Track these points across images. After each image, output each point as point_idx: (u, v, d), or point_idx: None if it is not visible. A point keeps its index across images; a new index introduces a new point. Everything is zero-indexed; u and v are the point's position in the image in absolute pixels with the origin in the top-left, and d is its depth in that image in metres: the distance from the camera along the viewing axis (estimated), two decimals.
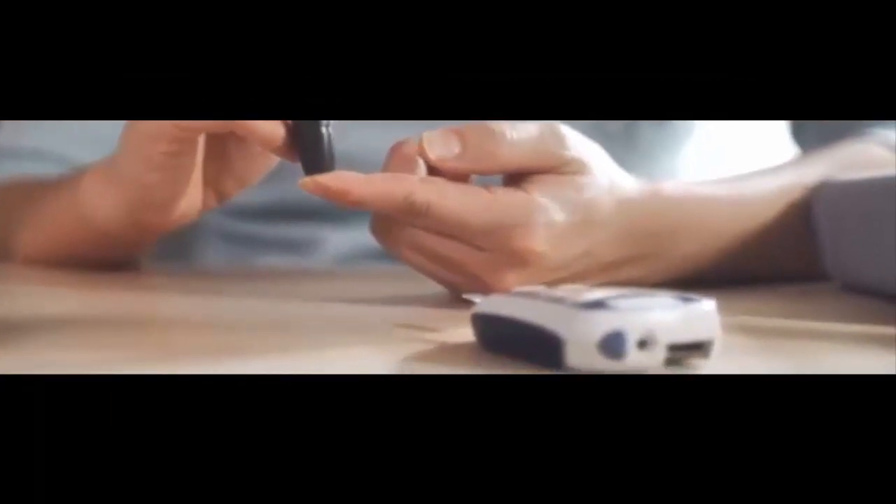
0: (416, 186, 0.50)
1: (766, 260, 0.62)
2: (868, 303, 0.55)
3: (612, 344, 0.36)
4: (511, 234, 0.50)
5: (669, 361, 0.37)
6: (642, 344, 0.37)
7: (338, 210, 0.84)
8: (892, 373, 0.38)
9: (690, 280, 0.59)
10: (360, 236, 0.83)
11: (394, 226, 0.52)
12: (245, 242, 0.89)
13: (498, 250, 0.51)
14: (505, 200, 0.50)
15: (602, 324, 0.37)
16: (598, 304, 0.37)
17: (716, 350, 0.38)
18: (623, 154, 0.59)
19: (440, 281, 0.54)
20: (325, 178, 0.50)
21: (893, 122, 0.73)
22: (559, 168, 0.52)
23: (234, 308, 0.55)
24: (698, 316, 0.38)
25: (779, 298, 0.58)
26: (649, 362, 0.37)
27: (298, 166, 0.86)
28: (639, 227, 0.56)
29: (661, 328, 0.37)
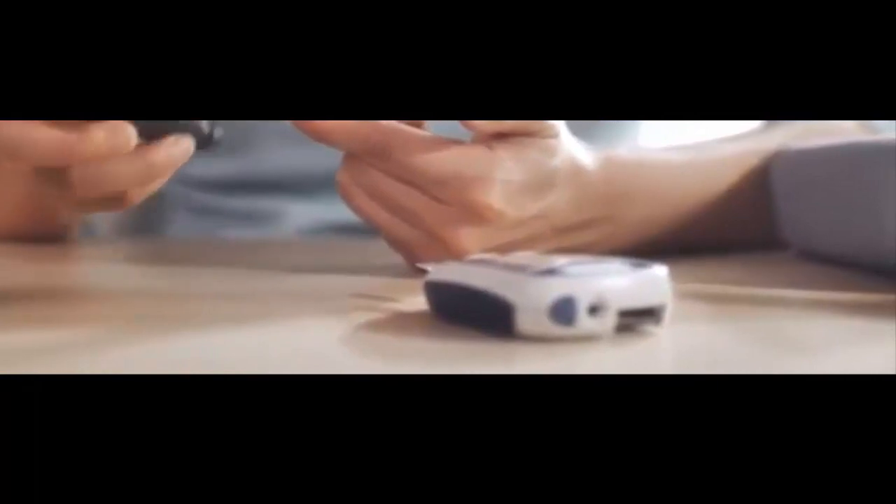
0: (380, 128, 0.51)
1: (723, 226, 0.63)
2: (823, 270, 0.56)
3: (563, 310, 0.37)
4: (468, 187, 0.51)
5: (621, 327, 0.38)
6: (593, 310, 0.37)
7: (301, 183, 0.85)
8: (861, 371, 0.38)
9: (647, 246, 0.59)
10: (322, 210, 0.83)
11: (357, 172, 0.52)
12: (208, 214, 0.89)
13: (454, 203, 0.51)
14: (466, 152, 0.51)
15: (552, 290, 0.37)
16: (548, 271, 0.37)
17: (668, 316, 0.38)
18: (587, 129, 0.59)
19: (397, 242, 0.54)
20: None
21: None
22: (537, 132, 0.52)
23: (191, 278, 0.55)
24: (650, 282, 0.38)
25: (735, 265, 0.59)
26: (600, 328, 0.37)
27: (259, 139, 0.86)
28: (592, 192, 0.56)
29: (611, 294, 0.37)
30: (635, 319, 0.38)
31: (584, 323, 0.37)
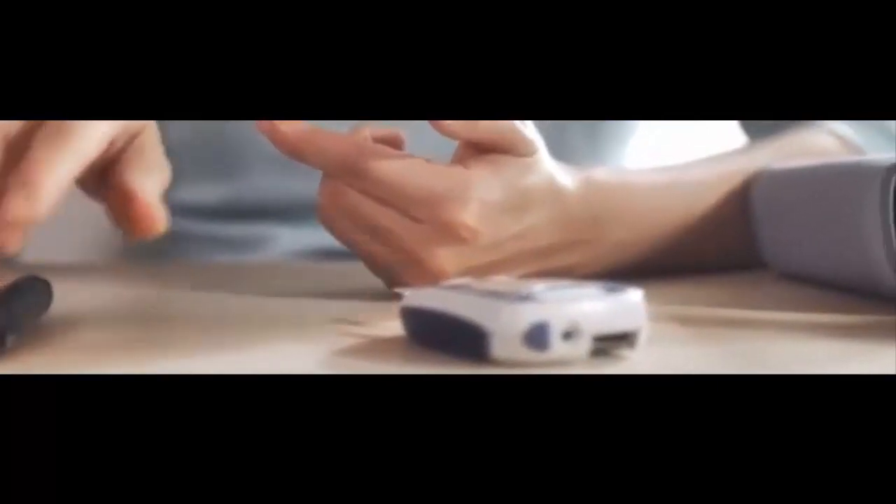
0: (356, 146, 0.51)
1: (704, 248, 0.63)
2: (803, 291, 0.56)
3: (537, 336, 0.36)
4: (445, 205, 0.51)
5: (595, 352, 0.37)
6: (567, 335, 0.37)
7: (289, 209, 0.85)
8: (827, 372, 0.38)
9: (629, 268, 0.59)
10: (310, 236, 0.83)
11: (335, 195, 0.52)
12: (195, 241, 0.88)
13: (430, 222, 0.51)
14: (442, 171, 0.51)
15: (526, 316, 0.37)
16: (522, 297, 0.37)
17: (642, 340, 0.38)
18: (580, 149, 0.59)
19: (375, 264, 0.54)
20: (278, 122, 0.51)
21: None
22: (514, 148, 0.52)
23: (169, 302, 0.54)
24: (624, 306, 0.38)
25: (715, 287, 0.58)
26: (574, 353, 0.37)
27: (249, 166, 0.86)
28: (572, 213, 0.56)
29: (585, 319, 0.37)
30: (610, 344, 0.38)
31: (559, 348, 0.37)
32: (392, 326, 0.45)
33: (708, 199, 0.62)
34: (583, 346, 0.37)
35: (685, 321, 0.46)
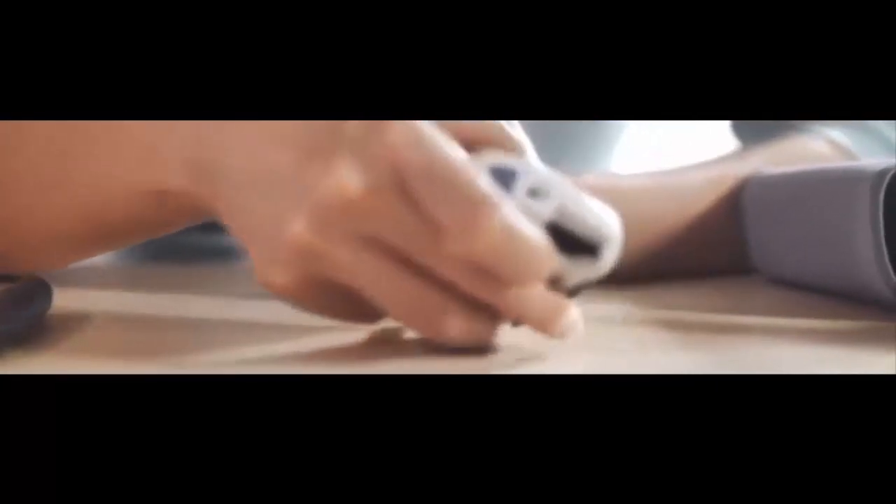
0: None
1: (694, 252, 0.62)
2: (791, 296, 0.56)
3: (503, 177, 0.36)
4: None
5: (553, 230, 0.36)
6: (533, 192, 0.36)
7: None
8: (812, 372, 0.38)
9: (617, 273, 0.59)
10: None
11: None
12: (181, 252, 0.88)
13: None
14: None
15: (500, 156, 0.38)
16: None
17: (607, 261, 0.37)
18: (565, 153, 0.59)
19: None
20: None
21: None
22: (501, 147, 0.52)
23: (168, 304, 0.54)
24: (599, 213, 0.37)
25: (704, 292, 0.58)
26: (534, 214, 0.36)
27: None
28: None
29: (555, 189, 0.36)
30: (576, 252, 0.36)
31: (522, 200, 0.36)
32: (376, 325, 0.45)
33: (698, 204, 0.62)
34: (546, 210, 0.36)
35: (673, 326, 0.46)
